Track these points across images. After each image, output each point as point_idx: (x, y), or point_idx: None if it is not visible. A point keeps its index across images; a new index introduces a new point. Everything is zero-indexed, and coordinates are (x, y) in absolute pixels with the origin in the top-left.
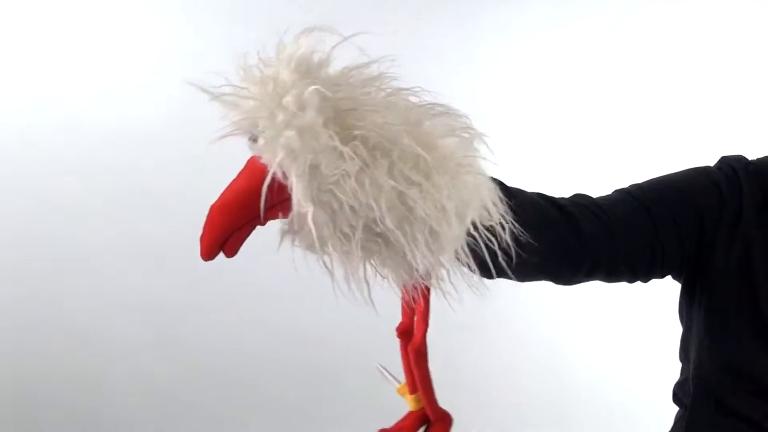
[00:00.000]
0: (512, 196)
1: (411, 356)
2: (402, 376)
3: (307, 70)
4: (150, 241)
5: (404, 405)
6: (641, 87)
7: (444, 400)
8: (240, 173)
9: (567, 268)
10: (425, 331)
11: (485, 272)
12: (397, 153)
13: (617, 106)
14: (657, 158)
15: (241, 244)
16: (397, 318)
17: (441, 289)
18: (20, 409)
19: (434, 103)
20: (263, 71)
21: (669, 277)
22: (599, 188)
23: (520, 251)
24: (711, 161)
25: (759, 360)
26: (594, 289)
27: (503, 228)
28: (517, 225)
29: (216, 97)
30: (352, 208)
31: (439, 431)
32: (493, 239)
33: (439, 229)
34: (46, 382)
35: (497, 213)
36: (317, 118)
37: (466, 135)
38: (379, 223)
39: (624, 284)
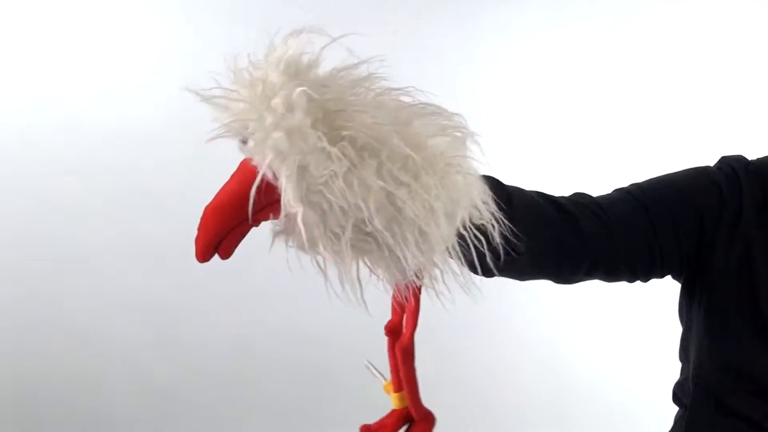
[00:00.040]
0: (510, 195)
1: (398, 355)
2: (389, 374)
3: (296, 71)
4: (150, 241)
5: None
6: (641, 87)
7: (444, 400)
8: (232, 175)
9: (566, 267)
10: (414, 330)
11: (481, 271)
12: (386, 153)
13: (617, 106)
14: (657, 158)
15: (235, 245)
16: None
17: (434, 289)
18: (20, 409)
19: (425, 103)
20: (252, 73)
21: (669, 277)
22: (599, 188)
23: (513, 249)
24: (711, 161)
25: (759, 360)
26: (594, 289)
27: (494, 227)
28: (507, 223)
29: (206, 99)
30: (341, 208)
31: (421, 431)
32: (484, 238)
33: (427, 229)
34: (46, 381)
35: (488, 212)
36: (305, 120)
37: (457, 134)
38: (368, 223)
39: (624, 284)
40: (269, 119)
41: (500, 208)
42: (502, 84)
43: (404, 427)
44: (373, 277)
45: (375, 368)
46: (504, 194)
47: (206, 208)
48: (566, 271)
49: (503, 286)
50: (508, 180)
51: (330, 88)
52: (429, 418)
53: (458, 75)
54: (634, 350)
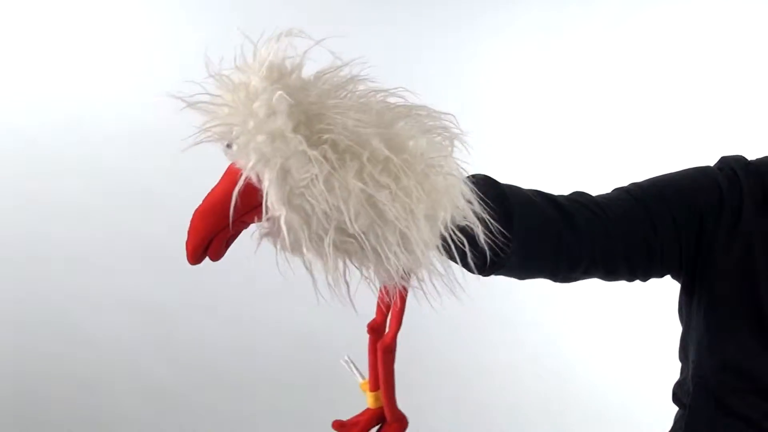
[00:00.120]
0: (505, 194)
1: (379, 353)
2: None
3: (279, 75)
4: (150, 241)
5: (406, 407)
6: (641, 87)
7: (444, 400)
8: (219, 179)
9: (564, 265)
10: (397, 330)
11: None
12: (367, 156)
13: (617, 106)
14: (657, 158)
15: (224, 247)
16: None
17: (421, 289)
18: (20, 409)
19: (412, 104)
20: (235, 79)
21: (668, 277)
22: (599, 188)
23: (503, 248)
24: (711, 161)
25: (759, 359)
26: (594, 288)
27: (478, 227)
28: (494, 223)
29: (191, 105)
30: (323, 211)
31: None
32: (470, 238)
33: (408, 231)
34: (46, 381)
35: (471, 212)
36: (287, 123)
37: (439, 135)
38: (349, 225)
39: (624, 284)
40: (251, 123)
41: (492, 207)
42: (502, 84)
43: (376, 427)
44: (363, 277)
45: (354, 365)
46: (498, 193)
47: (195, 211)
48: (564, 269)
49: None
50: (508, 179)
51: (311, 91)
52: (402, 421)
53: (459, 75)
54: (633, 350)
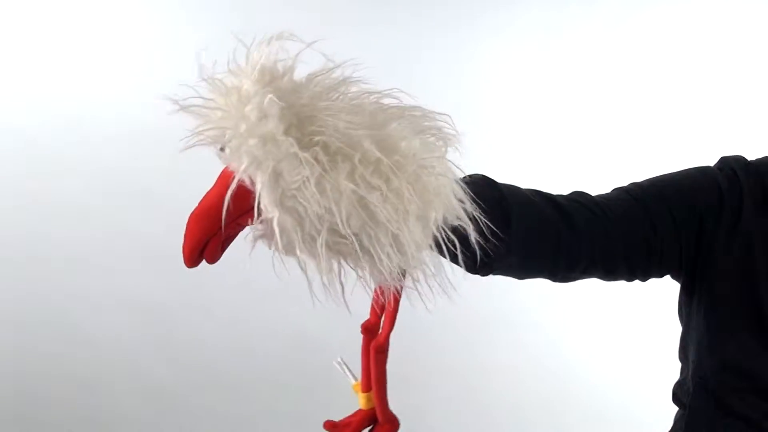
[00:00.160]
0: (502, 193)
1: (372, 353)
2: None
3: (271, 79)
4: (150, 241)
5: (407, 407)
6: (641, 88)
7: (444, 400)
8: (214, 182)
9: (563, 264)
10: (390, 330)
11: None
12: (358, 157)
13: (617, 106)
14: (657, 158)
15: (220, 249)
16: (398, 318)
17: (415, 289)
18: (20, 409)
19: (405, 105)
20: (228, 82)
21: (668, 277)
22: (599, 188)
23: (494, 248)
24: (711, 161)
25: (758, 359)
26: (594, 288)
27: (471, 227)
28: (488, 222)
29: (184, 108)
30: (316, 212)
31: None
32: (464, 238)
33: (399, 232)
34: (46, 381)
35: (464, 212)
36: (279, 126)
37: (433, 136)
38: (341, 226)
39: (623, 284)
40: (243, 127)
41: (489, 207)
42: (502, 84)
43: (368, 428)
44: (359, 277)
45: (347, 367)
46: (496, 193)
47: (190, 214)
48: (563, 269)
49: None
50: (508, 179)
51: (303, 93)
52: (393, 422)
53: (459, 75)
54: (633, 350)
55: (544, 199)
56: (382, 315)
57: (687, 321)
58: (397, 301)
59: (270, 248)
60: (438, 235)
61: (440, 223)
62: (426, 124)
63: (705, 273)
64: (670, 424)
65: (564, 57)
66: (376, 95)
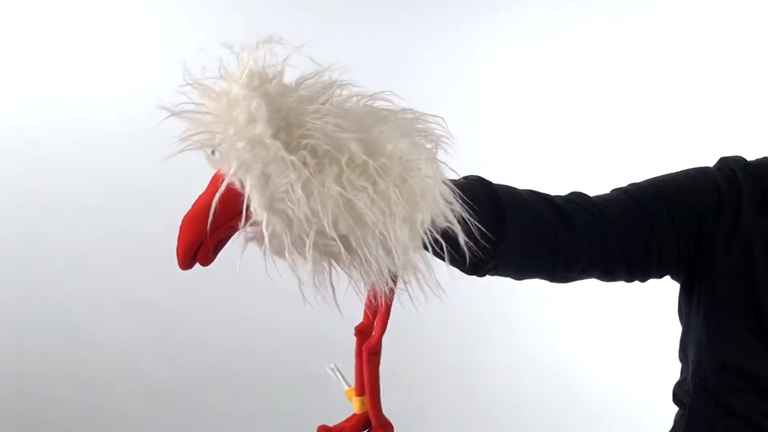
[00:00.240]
0: (497, 194)
1: (364, 355)
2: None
3: (260, 83)
4: (150, 241)
5: (406, 407)
6: (641, 88)
7: (444, 400)
8: (207, 186)
9: (560, 265)
10: (382, 333)
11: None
12: (346, 160)
13: (617, 106)
14: (657, 158)
15: (214, 252)
16: (397, 318)
17: (406, 291)
18: (20, 409)
19: (396, 108)
20: (217, 87)
21: (668, 278)
22: (599, 188)
23: (485, 248)
24: (711, 161)
25: (758, 359)
26: (594, 289)
27: (462, 227)
28: (477, 224)
29: (176, 113)
30: (304, 215)
31: None
32: (455, 239)
33: (387, 234)
34: (46, 381)
35: (452, 214)
36: (266, 130)
37: (421, 138)
38: (327, 229)
39: (623, 284)
40: (232, 130)
41: (482, 208)
42: (502, 84)
43: None
44: (350, 279)
45: (340, 373)
46: (491, 193)
47: (183, 217)
48: (561, 270)
49: (501, 286)
50: (507, 179)
51: (290, 97)
52: (387, 427)
53: (459, 75)
54: (633, 350)
55: (541, 199)
56: (374, 318)
57: (687, 321)
58: (388, 304)
59: (261, 250)
60: (425, 237)
61: (428, 225)
62: (418, 126)
63: (704, 273)
64: (670, 424)
65: (564, 57)
66: (366, 98)
